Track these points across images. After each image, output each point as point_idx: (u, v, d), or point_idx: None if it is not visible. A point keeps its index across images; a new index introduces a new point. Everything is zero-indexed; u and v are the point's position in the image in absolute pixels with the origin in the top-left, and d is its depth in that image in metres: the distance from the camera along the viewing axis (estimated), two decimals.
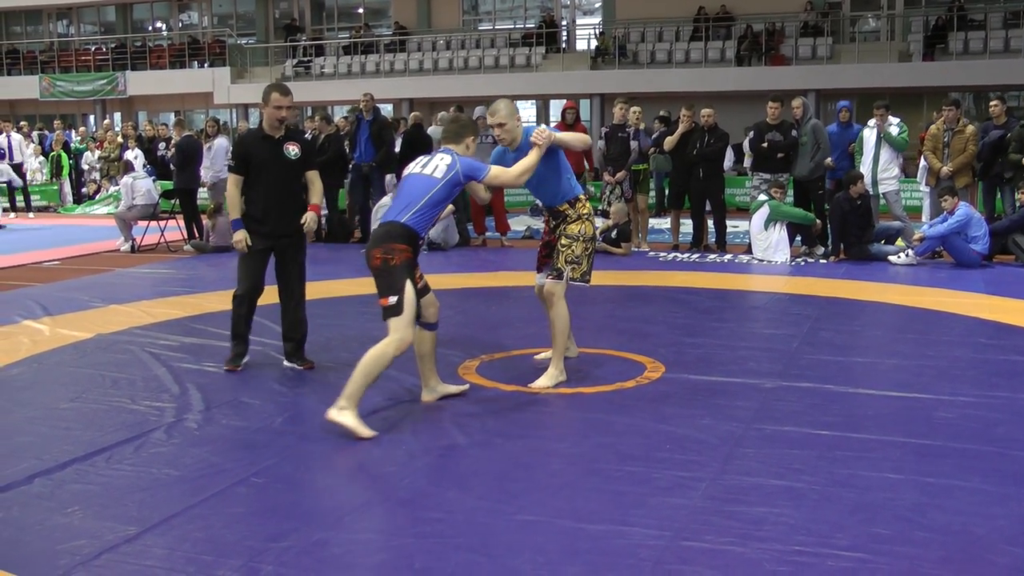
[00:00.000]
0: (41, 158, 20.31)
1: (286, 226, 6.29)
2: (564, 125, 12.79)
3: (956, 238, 10.30)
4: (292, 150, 6.26)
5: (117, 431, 5.03)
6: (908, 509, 3.88)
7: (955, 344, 6.97)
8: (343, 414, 4.87)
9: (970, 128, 11.25)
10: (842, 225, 10.89)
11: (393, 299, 4.99)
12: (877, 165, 11.20)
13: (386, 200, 12.31)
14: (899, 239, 11.03)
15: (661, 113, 12.88)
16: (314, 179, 6.55)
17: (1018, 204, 10.74)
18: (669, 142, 11.85)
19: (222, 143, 13.31)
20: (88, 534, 3.77)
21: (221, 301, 7.89)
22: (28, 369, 6.49)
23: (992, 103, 11.60)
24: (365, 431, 4.85)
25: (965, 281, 9.44)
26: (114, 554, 3.59)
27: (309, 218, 6.36)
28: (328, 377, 6.09)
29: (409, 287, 5.03)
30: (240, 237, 6.18)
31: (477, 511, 3.95)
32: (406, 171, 5.38)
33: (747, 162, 12.56)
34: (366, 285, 9.59)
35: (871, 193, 11.04)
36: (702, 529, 3.72)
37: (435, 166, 5.25)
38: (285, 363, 6.42)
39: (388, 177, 13.12)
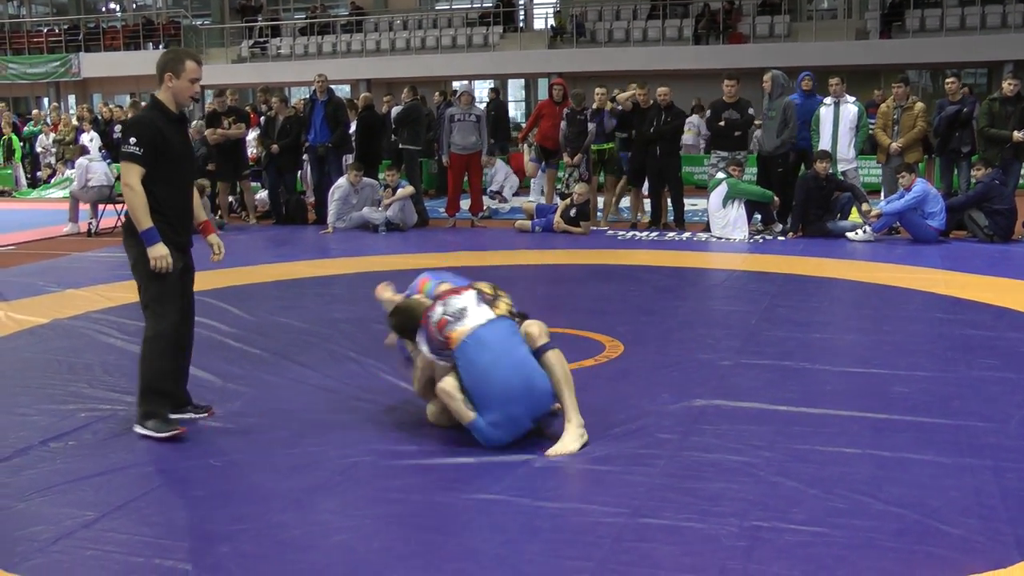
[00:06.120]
0: None
1: (191, 234, 4.97)
2: (551, 102, 12.74)
3: (913, 214, 10.40)
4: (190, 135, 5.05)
5: (75, 416, 4.97)
6: (865, 483, 3.92)
7: (912, 319, 7.05)
8: None
9: (919, 105, 11.40)
10: (805, 202, 10.95)
11: None
12: (836, 144, 11.25)
13: (342, 181, 12.24)
14: (854, 210, 11.11)
15: (615, 93, 12.93)
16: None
17: (974, 180, 10.85)
18: (623, 96, 11.93)
19: None
20: (46, 520, 3.73)
21: None
22: None
23: (948, 80, 11.71)
24: None
25: (922, 257, 9.54)
26: (72, 540, 3.55)
27: (218, 244, 5.04)
28: (288, 357, 6.05)
29: None
30: (164, 252, 4.63)
31: (435, 491, 3.95)
32: None
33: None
34: (324, 267, 9.60)
35: (831, 172, 11.10)
36: (660, 506, 3.74)
37: None
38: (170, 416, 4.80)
39: (344, 158, 13.05)
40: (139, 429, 4.67)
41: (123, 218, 4.85)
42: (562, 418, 4.52)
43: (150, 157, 4.63)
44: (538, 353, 4.53)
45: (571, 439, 4.41)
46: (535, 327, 4.61)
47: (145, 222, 4.61)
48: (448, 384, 4.44)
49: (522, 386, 4.38)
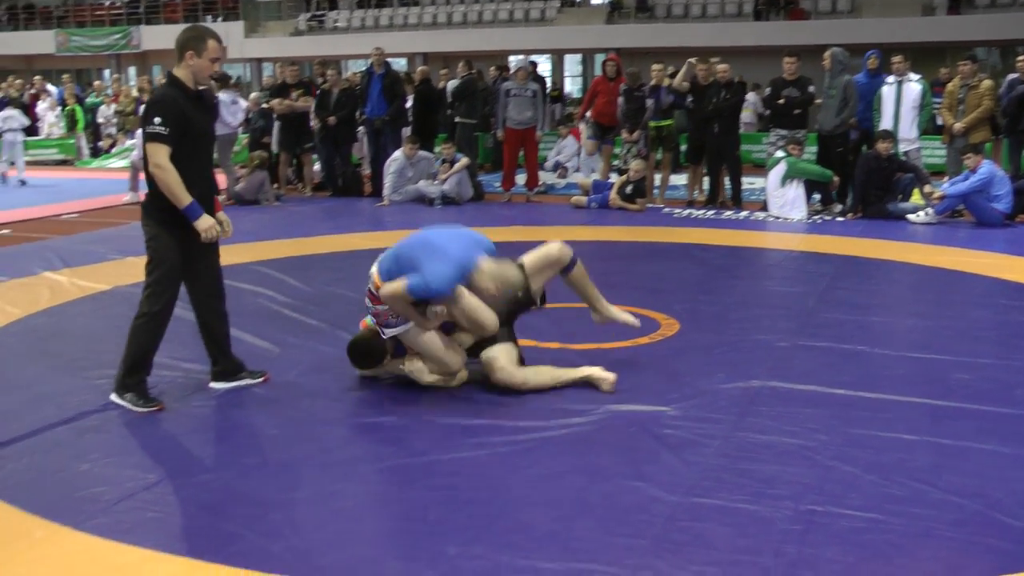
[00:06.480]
0: (58, 110, 20.30)
1: (213, 210, 4.87)
2: (605, 78, 12.67)
3: (978, 196, 10.15)
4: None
5: None
6: (923, 470, 3.86)
7: (974, 305, 6.92)
8: None
9: (986, 83, 11.07)
10: (865, 182, 10.77)
11: None
12: (898, 123, 11.04)
13: (398, 155, 12.27)
14: (915, 191, 10.90)
15: (671, 70, 12.77)
16: None
17: None
18: (678, 79, 11.79)
19: (225, 97, 12.76)
20: (109, 481, 3.82)
21: (239, 253, 7.88)
22: (48, 320, 6.52)
23: (1020, 58, 11.39)
24: None
25: (986, 240, 9.33)
26: (134, 501, 3.64)
27: (227, 221, 4.95)
28: (343, 328, 6.06)
29: None
30: (210, 223, 4.70)
31: (490, 465, 3.96)
32: None
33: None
34: (379, 239, 9.62)
35: (893, 152, 10.90)
36: (714, 486, 3.71)
37: None
38: (217, 385, 5.04)
39: (402, 131, 13.06)
40: (115, 398, 4.75)
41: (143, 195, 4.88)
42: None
43: (176, 135, 4.58)
44: (569, 268, 5.16)
45: (625, 317, 5.39)
46: (555, 245, 5.15)
47: (184, 198, 4.59)
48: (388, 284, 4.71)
49: (431, 231, 4.86)
